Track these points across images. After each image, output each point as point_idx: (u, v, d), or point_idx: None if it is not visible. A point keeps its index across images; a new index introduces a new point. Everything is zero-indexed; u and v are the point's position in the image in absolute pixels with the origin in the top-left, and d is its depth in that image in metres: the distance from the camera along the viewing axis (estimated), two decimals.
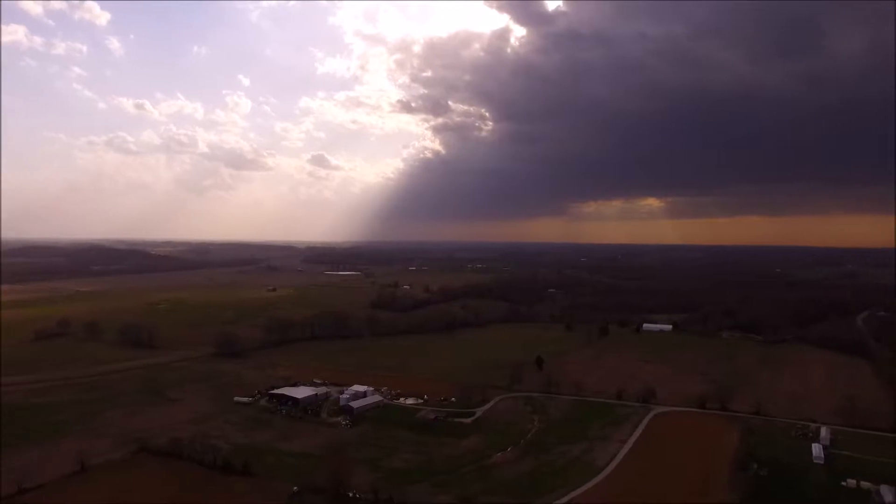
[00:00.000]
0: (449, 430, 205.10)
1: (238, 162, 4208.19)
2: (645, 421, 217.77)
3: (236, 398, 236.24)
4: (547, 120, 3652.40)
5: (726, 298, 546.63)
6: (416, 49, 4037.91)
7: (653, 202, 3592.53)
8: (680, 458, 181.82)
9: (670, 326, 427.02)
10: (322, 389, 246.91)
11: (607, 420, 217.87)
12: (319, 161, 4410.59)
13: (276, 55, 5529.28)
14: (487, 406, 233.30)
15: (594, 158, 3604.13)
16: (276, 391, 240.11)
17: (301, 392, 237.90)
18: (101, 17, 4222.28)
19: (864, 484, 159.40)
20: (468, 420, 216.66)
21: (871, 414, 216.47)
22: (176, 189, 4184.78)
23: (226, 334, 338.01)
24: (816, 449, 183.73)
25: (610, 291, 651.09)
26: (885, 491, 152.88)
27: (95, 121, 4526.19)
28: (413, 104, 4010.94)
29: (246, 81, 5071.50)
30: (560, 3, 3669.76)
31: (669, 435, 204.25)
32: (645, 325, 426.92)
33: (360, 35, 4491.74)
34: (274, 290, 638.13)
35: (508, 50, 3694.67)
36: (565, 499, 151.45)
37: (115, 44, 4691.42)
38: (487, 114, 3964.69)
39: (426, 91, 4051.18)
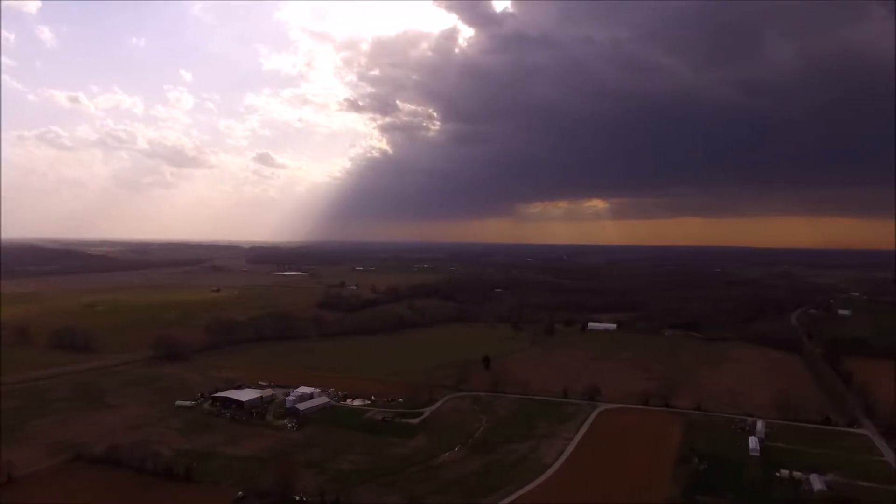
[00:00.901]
0: (397, 431, 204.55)
1: (180, 159, 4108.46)
2: (591, 418, 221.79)
3: (178, 402, 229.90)
4: (494, 121, 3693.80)
5: (669, 297, 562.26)
6: (364, 47, 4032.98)
7: (598, 203, 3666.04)
8: (625, 454, 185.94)
9: (615, 325, 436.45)
10: (268, 392, 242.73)
11: (554, 418, 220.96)
12: (265, 159, 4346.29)
13: (220, 50, 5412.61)
14: (435, 406, 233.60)
15: (541, 160, 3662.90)
16: (219, 394, 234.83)
17: (246, 395, 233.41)
18: (31, 4, 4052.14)
19: (796, 474, 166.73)
20: (416, 420, 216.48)
21: (803, 407, 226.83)
22: (114, 187, 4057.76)
23: (167, 337, 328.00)
24: (753, 442, 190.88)
25: (556, 291, 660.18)
26: (815, 479, 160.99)
27: (26, 114, 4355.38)
28: (360, 103, 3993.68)
29: (188, 76, 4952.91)
30: (508, 4, 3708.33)
31: (615, 431, 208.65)
32: (590, 325, 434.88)
33: (307, 32, 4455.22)
34: (218, 290, 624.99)
35: (457, 50, 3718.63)
36: (512, 497, 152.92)
37: (46, 33, 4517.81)
38: (435, 114, 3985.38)
39: (374, 90, 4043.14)
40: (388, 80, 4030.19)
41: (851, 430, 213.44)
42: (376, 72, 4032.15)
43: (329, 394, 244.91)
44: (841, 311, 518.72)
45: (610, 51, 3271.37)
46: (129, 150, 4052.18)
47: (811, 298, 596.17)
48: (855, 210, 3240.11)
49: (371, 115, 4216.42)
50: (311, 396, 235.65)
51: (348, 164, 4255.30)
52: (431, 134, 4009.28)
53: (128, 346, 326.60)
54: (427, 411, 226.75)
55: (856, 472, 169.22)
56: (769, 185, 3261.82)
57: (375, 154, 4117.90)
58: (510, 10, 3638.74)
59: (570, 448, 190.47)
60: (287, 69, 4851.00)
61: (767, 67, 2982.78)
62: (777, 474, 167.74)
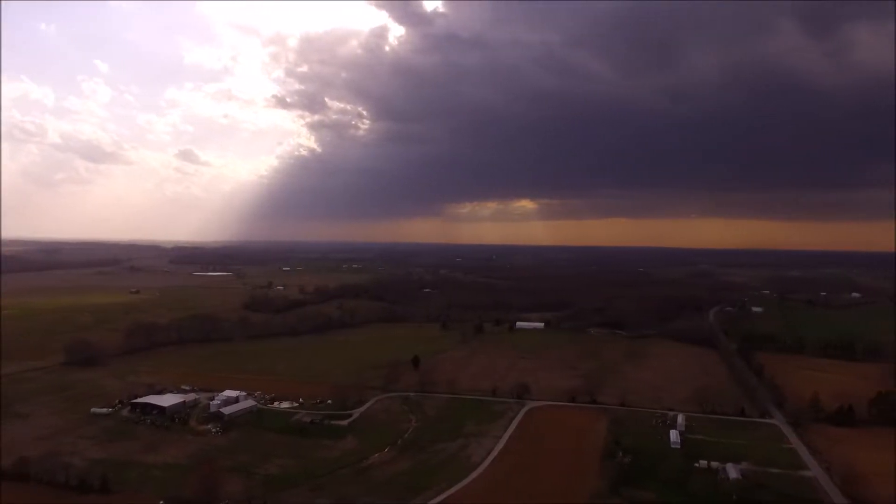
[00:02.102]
0: (325, 433, 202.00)
1: (95, 154, 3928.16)
2: (519, 416, 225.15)
3: (93, 410, 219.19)
4: (425, 121, 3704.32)
5: (595, 297, 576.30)
6: (292, 43, 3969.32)
7: (526, 204, 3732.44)
8: (553, 450, 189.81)
9: (542, 324, 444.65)
10: (191, 396, 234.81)
11: (483, 416, 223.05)
12: (187, 156, 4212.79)
13: (139, 41, 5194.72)
14: (364, 407, 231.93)
15: (470, 160, 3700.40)
16: (139, 400, 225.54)
17: (167, 400, 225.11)
18: None
19: (714, 464, 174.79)
20: (345, 422, 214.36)
21: (719, 400, 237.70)
22: (22, 182, 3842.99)
23: (81, 341, 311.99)
24: (673, 435, 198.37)
25: (484, 291, 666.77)
26: (730, 468, 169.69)
27: None
28: (288, 100, 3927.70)
29: (104, 67, 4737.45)
30: (439, 4, 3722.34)
31: (542, 428, 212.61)
32: (518, 324, 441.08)
33: (232, 25, 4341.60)
34: (137, 292, 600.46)
35: (387, 49, 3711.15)
36: (442, 496, 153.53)
37: None
38: (365, 112, 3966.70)
39: (302, 87, 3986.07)
40: (317, 78, 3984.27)
41: (763, 420, 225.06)
42: (304, 68, 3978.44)
43: (255, 397, 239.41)
44: (754, 309, 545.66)
45: (540, 54, 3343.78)
46: (39, 143, 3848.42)
47: (727, 297, 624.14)
48: (767, 213, 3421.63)
49: (299, 112, 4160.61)
50: (236, 400, 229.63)
51: (275, 163, 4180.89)
52: (361, 133, 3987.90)
53: (38, 352, 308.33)
54: (356, 412, 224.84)
55: (767, 460, 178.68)
56: (691, 188, 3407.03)
57: (303, 152, 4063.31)
58: (441, 10, 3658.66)
59: (500, 446, 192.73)
60: (211, 63, 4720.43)
61: (690, 75, 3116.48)
62: (696, 465, 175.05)
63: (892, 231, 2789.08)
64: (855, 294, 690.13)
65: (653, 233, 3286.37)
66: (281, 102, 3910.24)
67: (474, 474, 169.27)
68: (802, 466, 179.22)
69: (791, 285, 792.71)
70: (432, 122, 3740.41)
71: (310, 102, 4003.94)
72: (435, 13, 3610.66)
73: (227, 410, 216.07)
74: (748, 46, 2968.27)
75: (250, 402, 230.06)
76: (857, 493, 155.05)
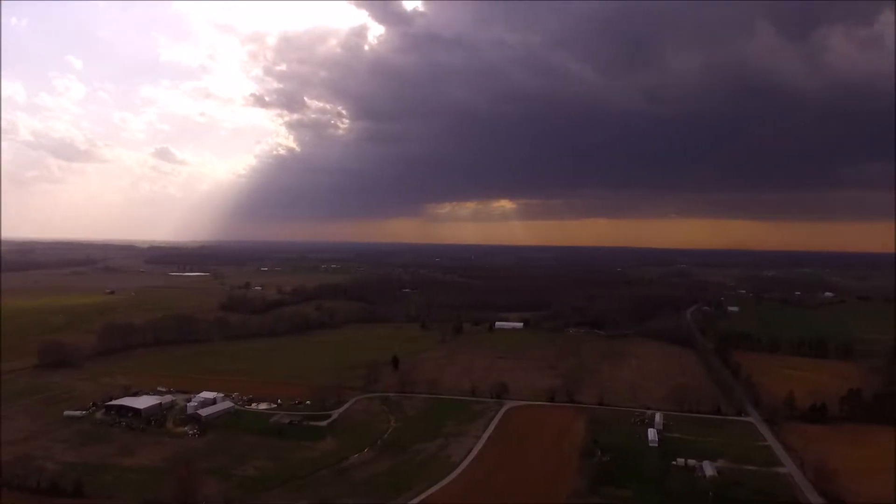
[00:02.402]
0: (304, 434, 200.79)
1: (69, 153, 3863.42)
2: (498, 415, 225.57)
3: (67, 412, 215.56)
4: (404, 120, 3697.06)
5: (574, 296, 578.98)
6: (270, 41, 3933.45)
7: (506, 204, 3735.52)
8: (532, 450, 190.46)
9: (521, 324, 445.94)
10: (167, 398, 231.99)
11: (462, 416, 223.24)
12: (164, 154, 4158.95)
13: (114, 37, 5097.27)
14: (343, 408, 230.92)
15: (450, 160, 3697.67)
16: (113, 402, 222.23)
17: (143, 402, 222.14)
18: None
19: (691, 461, 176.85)
20: (324, 423, 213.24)
21: (696, 399, 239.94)
22: None
23: (55, 343, 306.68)
24: (651, 433, 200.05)
25: (464, 291, 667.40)
26: (707, 466, 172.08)
27: None
28: (267, 98, 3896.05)
29: (78, 63, 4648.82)
30: (419, 4, 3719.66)
31: (522, 428, 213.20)
32: (497, 324, 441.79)
33: (210, 22, 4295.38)
34: (112, 292, 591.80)
35: (366, 48, 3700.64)
36: (422, 496, 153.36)
37: None
38: (344, 112, 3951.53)
39: (281, 86, 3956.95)
40: (296, 76, 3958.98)
41: (739, 418, 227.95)
42: (283, 67, 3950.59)
43: (233, 398, 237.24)
44: (731, 308, 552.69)
45: (521, 54, 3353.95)
46: (10, 140, 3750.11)
47: (704, 296, 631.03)
48: (743, 213, 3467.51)
49: (278, 111, 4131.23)
50: (213, 401, 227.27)
51: (254, 162, 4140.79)
52: (340, 132, 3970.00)
53: (10, 354, 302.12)
54: (335, 413, 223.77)
55: (742, 458, 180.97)
56: (668, 188, 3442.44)
57: (282, 152, 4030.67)
58: (421, 9, 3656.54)
59: (479, 445, 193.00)
60: (188, 61, 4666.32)
61: (669, 75, 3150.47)
62: (674, 463, 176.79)
63: (864, 232, 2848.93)
64: (828, 293, 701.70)
65: (631, 233, 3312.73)
66: (259, 101, 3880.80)
67: (454, 474, 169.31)
68: (777, 463, 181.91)
69: (767, 285, 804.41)
70: (412, 122, 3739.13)
71: (288, 101, 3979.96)
72: (415, 13, 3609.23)
73: (204, 412, 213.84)
74: (727, 48, 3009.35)
75: (228, 404, 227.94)
76: (830, 488, 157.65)
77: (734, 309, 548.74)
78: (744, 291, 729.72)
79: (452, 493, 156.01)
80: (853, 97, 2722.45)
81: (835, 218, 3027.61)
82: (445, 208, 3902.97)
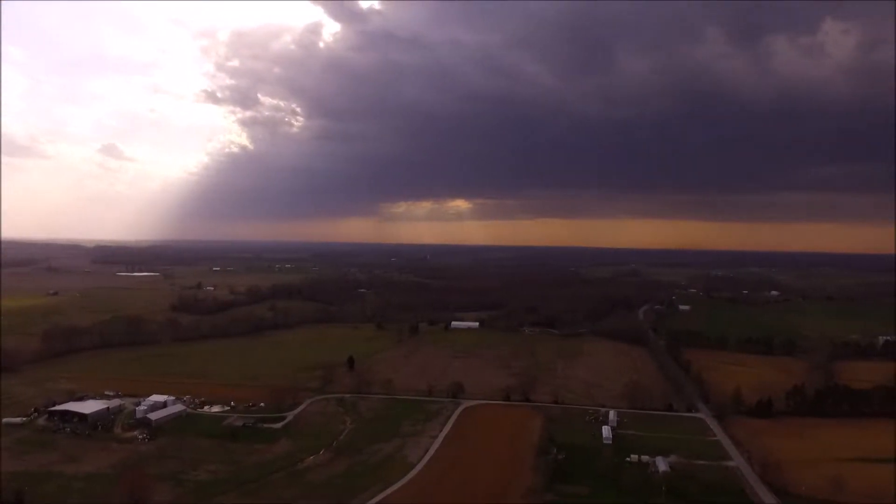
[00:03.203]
0: (258, 437, 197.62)
1: (9, 148, 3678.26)
2: (455, 415, 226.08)
3: (6, 419, 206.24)
4: (360, 119, 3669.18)
5: (528, 296, 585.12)
6: (223, 37, 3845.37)
7: (461, 204, 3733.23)
8: (488, 449, 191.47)
9: (477, 324, 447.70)
10: (115, 402, 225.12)
11: (419, 416, 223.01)
12: (111, 151, 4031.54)
13: (59, 28, 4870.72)
14: (298, 409, 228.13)
15: (406, 159, 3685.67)
16: (57, 408, 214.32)
17: (89, 406, 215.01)
18: None
19: (644, 458, 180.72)
20: (278, 425, 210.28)
21: (649, 396, 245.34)
22: None
23: None
24: (606, 431, 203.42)
25: (420, 291, 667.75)
26: (660, 461, 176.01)
27: None
28: (219, 95, 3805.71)
29: (19, 54, 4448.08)
30: (375, 2, 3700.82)
31: (478, 427, 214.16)
32: (453, 323, 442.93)
33: (160, 16, 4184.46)
34: (56, 293, 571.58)
35: (321, 45, 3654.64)
36: (379, 497, 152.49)
37: None
38: (299, 109, 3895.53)
39: (233, 82, 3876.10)
40: (249, 73, 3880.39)
41: (690, 414, 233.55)
42: (236, 63, 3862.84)
43: (185, 401, 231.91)
44: (682, 307, 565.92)
45: (478, 55, 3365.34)
46: None
47: (656, 295, 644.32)
48: (693, 214, 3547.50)
49: (231, 108, 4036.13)
50: (164, 405, 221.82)
51: (206, 159, 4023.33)
52: (295, 130, 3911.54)
53: None
54: (290, 415, 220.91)
55: (693, 453, 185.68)
56: (620, 189, 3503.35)
57: (235, 149, 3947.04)
58: (377, 7, 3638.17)
59: (436, 445, 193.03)
60: (137, 55, 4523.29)
61: (623, 79, 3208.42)
62: (627, 459, 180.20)
63: (808, 232, 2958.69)
64: (774, 292, 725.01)
65: (584, 233, 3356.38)
66: (211, 97, 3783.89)
67: (411, 474, 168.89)
68: (726, 457, 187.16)
69: (716, 284, 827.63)
70: (368, 121, 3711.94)
71: (241, 98, 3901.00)
72: (371, 11, 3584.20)
73: (154, 416, 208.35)
74: (678, 52, 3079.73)
75: (179, 407, 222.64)
76: (775, 480, 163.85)
77: (685, 308, 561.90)
78: (694, 290, 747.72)
79: (409, 494, 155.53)
80: (797, 102, 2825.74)
81: (780, 219, 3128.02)
82: (401, 208, 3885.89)
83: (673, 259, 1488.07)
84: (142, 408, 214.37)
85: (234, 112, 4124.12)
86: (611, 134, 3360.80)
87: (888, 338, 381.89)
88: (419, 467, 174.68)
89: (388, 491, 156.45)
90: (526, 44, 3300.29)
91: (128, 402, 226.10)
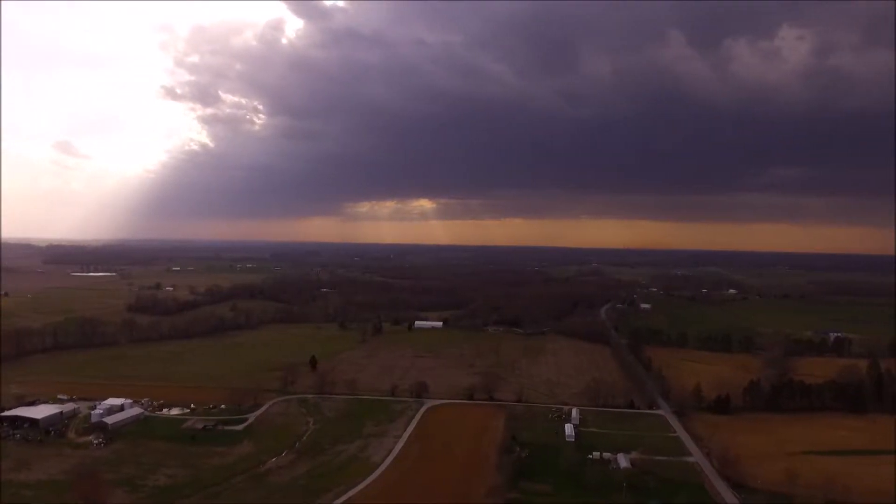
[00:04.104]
0: (219, 439, 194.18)
1: None
2: (418, 415, 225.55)
3: None
4: (323, 117, 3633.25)
5: (492, 295, 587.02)
6: (182, 31, 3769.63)
7: (425, 203, 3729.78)
8: (452, 448, 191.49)
9: (441, 323, 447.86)
10: (69, 406, 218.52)
11: (382, 416, 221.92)
12: (65, 148, 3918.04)
13: (11, 18, 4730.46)
14: (260, 411, 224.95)
15: (370, 159, 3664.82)
16: (6, 413, 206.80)
17: (41, 411, 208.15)
18: None
19: (606, 454, 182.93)
20: (240, 427, 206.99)
21: (611, 393, 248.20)
22: None
23: None
24: (568, 428, 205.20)
25: (383, 290, 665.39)
26: (621, 458, 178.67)
27: None
28: (178, 91, 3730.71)
29: None
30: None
31: (442, 426, 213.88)
32: (417, 323, 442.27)
33: (117, 9, 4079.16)
34: (5, 294, 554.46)
35: (284, 41, 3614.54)
36: (342, 498, 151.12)
37: None
38: (261, 107, 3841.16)
39: (193, 78, 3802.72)
40: (209, 69, 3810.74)
41: (651, 411, 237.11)
42: (195, 59, 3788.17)
43: (143, 404, 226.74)
44: (643, 306, 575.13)
45: (441, 54, 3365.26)
46: None
47: (618, 294, 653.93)
48: (653, 214, 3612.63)
49: (190, 104, 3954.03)
50: (121, 408, 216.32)
51: (165, 157, 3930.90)
52: (257, 128, 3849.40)
53: None
54: (252, 417, 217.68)
55: (654, 449, 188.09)
56: (582, 189, 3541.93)
57: (195, 147, 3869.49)
58: (341, 4, 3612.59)
59: (399, 445, 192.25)
60: (94, 47, 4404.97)
61: (586, 78, 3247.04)
62: (590, 457, 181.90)
63: (764, 232, 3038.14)
64: (731, 291, 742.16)
65: (547, 232, 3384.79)
66: (170, 93, 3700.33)
67: (375, 475, 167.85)
68: (686, 453, 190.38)
69: (676, 283, 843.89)
70: (331, 119, 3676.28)
71: (202, 95, 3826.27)
72: (334, 8, 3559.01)
73: (110, 420, 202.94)
74: (640, 54, 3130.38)
75: (137, 410, 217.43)
76: (733, 474, 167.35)
77: (646, 306, 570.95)
78: (655, 289, 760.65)
79: (373, 495, 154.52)
80: (756, 105, 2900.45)
81: (738, 220, 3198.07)
82: (364, 207, 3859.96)
83: (634, 258, 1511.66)
84: (97, 411, 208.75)
85: (194, 109, 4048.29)
86: (574, 134, 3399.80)
87: (839, 334, 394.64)
88: (383, 467, 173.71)
89: (352, 492, 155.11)
90: (489, 43, 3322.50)
91: (82, 406, 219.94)
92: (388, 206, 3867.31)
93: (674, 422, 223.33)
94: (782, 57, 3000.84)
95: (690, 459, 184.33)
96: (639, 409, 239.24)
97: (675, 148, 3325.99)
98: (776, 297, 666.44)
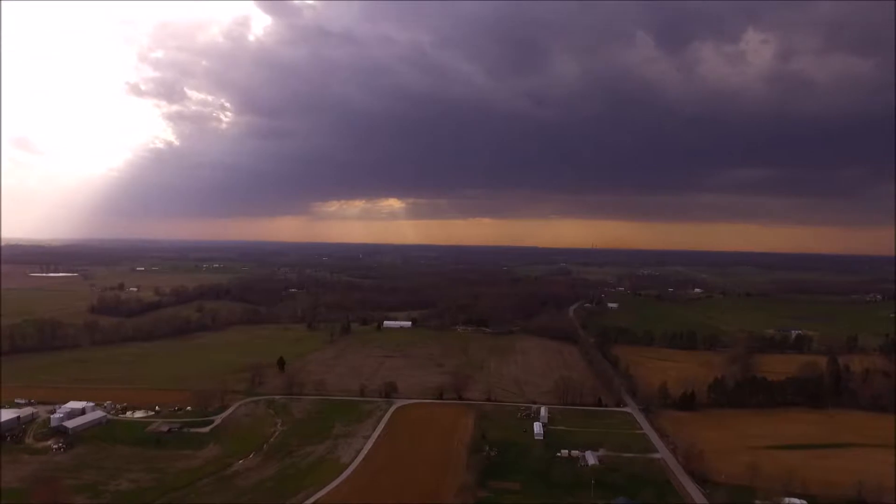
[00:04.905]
0: (184, 442, 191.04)
1: None
2: (388, 415, 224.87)
3: None
4: (292, 116, 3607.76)
5: (461, 295, 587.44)
6: (146, 26, 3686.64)
7: (394, 203, 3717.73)
8: (421, 448, 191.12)
9: (410, 323, 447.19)
10: (27, 410, 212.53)
11: (351, 417, 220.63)
12: (23, 145, 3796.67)
13: None
14: (227, 412, 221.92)
15: (338, 158, 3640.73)
16: None
17: None
18: None
19: (574, 452, 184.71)
20: (206, 429, 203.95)
21: (579, 391, 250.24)
22: None
23: None
24: (537, 427, 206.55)
25: (352, 290, 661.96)
26: (589, 455, 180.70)
27: None
28: (143, 87, 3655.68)
29: None
30: None
31: (411, 426, 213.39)
32: (386, 323, 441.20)
33: (78, 2, 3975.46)
34: None
35: (252, 38, 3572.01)
36: (311, 499, 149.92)
37: None
38: (228, 105, 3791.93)
39: (158, 74, 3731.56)
40: (175, 65, 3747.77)
41: (618, 409, 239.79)
42: (160, 54, 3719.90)
43: (105, 407, 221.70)
44: (610, 305, 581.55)
45: (410, 53, 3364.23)
46: None
47: (585, 293, 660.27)
48: (620, 214, 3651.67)
49: (155, 101, 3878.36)
50: (82, 412, 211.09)
51: (129, 155, 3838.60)
52: (224, 126, 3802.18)
53: None
54: (218, 419, 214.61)
55: (621, 446, 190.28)
56: (550, 189, 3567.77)
57: (160, 145, 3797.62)
58: (309, 1, 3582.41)
59: (368, 446, 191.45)
60: (53, 42, 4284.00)
61: (555, 80, 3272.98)
62: (558, 454, 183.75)
63: (728, 232, 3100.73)
64: (697, 290, 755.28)
65: (515, 232, 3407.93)
66: (134, 90, 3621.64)
67: (344, 475, 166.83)
68: (652, 449, 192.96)
69: (642, 282, 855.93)
70: (299, 118, 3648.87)
71: (167, 91, 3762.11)
72: (303, 5, 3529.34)
73: (71, 424, 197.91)
74: (608, 55, 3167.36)
75: (99, 414, 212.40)
76: (697, 469, 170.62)
77: (613, 305, 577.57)
78: (622, 289, 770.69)
79: (342, 495, 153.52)
80: (720, 107, 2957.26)
81: (703, 219, 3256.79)
82: (333, 207, 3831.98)
83: (602, 258, 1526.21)
84: (57, 416, 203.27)
85: (158, 106, 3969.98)
86: (542, 135, 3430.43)
87: (799, 331, 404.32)
88: (352, 468, 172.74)
89: (321, 493, 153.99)
90: (459, 43, 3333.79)
91: (42, 411, 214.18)
92: (357, 205, 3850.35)
93: (641, 419, 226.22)
94: (747, 60, 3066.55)
95: (657, 456, 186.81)
96: (606, 406, 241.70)
97: (642, 148, 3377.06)
98: (739, 296, 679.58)
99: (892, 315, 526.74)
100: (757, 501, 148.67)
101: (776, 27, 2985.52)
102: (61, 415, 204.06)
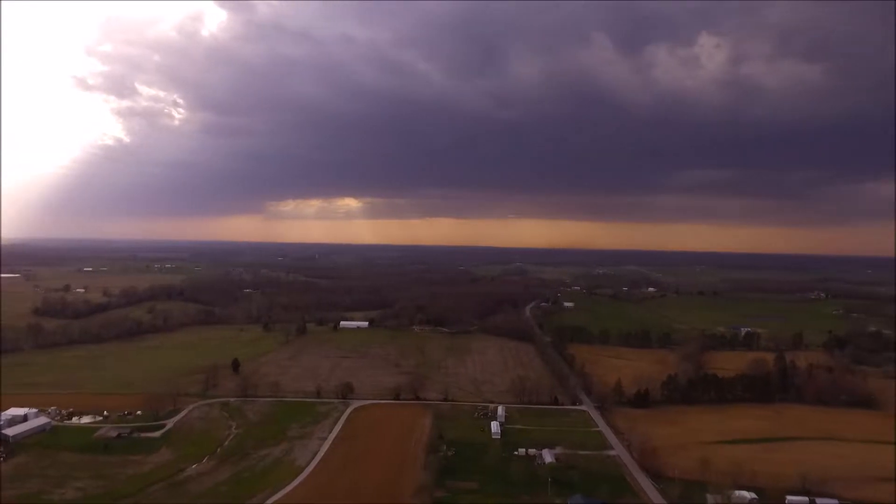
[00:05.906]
0: (135, 447, 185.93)
1: None
2: (344, 416, 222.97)
3: None
4: (247, 113, 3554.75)
5: (418, 295, 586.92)
6: (93, 18, 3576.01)
7: (351, 202, 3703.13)
8: (378, 448, 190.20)
9: (367, 323, 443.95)
10: None
11: (308, 419, 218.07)
12: None
13: None
14: (179, 416, 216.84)
15: (294, 156, 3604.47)
16: None
17: None
18: None
19: (531, 451, 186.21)
20: (157, 433, 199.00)
21: (536, 390, 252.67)
22: None
23: None
24: (494, 426, 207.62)
25: (308, 290, 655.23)
26: (546, 454, 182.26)
27: None
28: (90, 81, 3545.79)
29: None
30: None
31: (368, 427, 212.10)
32: (342, 323, 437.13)
33: None
34: None
35: (205, 33, 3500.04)
36: (267, 503, 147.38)
37: None
38: (181, 101, 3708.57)
39: (106, 68, 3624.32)
40: (124, 59, 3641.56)
41: (574, 407, 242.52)
42: (108, 48, 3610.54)
43: (50, 413, 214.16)
44: (566, 304, 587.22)
45: (369, 51, 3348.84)
46: None
47: (541, 293, 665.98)
48: (575, 214, 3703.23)
49: (104, 96, 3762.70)
50: (24, 418, 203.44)
51: (76, 152, 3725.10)
52: (177, 123, 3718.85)
53: None
54: (170, 423, 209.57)
55: (577, 444, 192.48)
56: (507, 189, 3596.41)
57: (109, 141, 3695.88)
58: None
59: (325, 447, 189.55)
60: None
61: (514, 80, 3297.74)
62: (515, 453, 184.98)
63: (680, 232, 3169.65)
64: (651, 289, 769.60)
65: (472, 232, 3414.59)
66: (82, 84, 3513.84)
67: (300, 478, 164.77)
68: (607, 446, 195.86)
69: (598, 281, 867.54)
70: (254, 115, 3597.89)
71: (116, 86, 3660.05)
72: (260, 2, 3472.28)
73: (11, 431, 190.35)
74: (566, 57, 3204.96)
75: (42, 420, 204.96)
76: (651, 465, 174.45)
77: (569, 304, 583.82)
78: (578, 288, 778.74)
79: (298, 498, 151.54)
80: (673, 109, 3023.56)
81: (657, 220, 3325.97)
82: (289, 206, 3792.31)
83: (557, 258, 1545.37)
84: None
85: (107, 101, 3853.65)
86: (500, 135, 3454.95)
87: (749, 329, 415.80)
88: (308, 470, 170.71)
89: (277, 496, 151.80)
90: (418, 42, 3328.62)
91: None
92: (313, 204, 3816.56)
93: (596, 417, 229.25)
94: (701, 64, 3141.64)
95: (612, 453, 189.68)
96: (563, 405, 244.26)
97: (597, 149, 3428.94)
98: (692, 295, 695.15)
99: (835, 312, 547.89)
100: (708, 495, 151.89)
101: (729, 32, 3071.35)
102: (2, 422, 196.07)
